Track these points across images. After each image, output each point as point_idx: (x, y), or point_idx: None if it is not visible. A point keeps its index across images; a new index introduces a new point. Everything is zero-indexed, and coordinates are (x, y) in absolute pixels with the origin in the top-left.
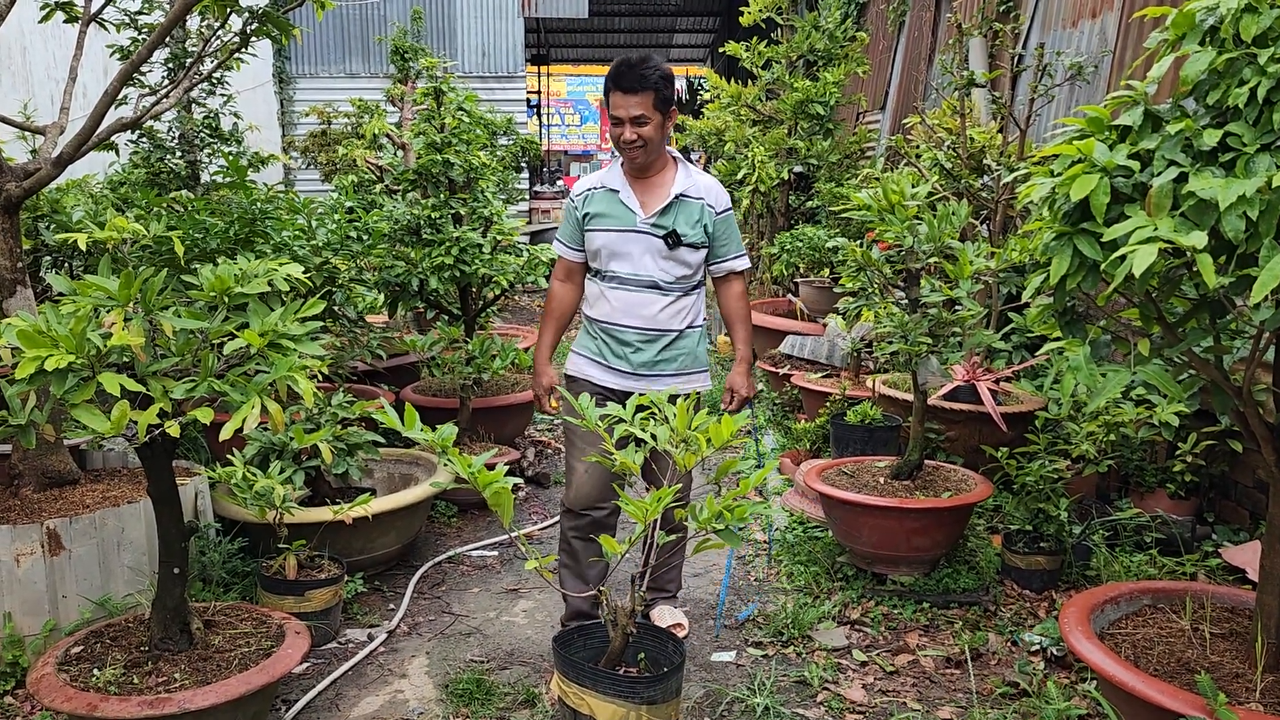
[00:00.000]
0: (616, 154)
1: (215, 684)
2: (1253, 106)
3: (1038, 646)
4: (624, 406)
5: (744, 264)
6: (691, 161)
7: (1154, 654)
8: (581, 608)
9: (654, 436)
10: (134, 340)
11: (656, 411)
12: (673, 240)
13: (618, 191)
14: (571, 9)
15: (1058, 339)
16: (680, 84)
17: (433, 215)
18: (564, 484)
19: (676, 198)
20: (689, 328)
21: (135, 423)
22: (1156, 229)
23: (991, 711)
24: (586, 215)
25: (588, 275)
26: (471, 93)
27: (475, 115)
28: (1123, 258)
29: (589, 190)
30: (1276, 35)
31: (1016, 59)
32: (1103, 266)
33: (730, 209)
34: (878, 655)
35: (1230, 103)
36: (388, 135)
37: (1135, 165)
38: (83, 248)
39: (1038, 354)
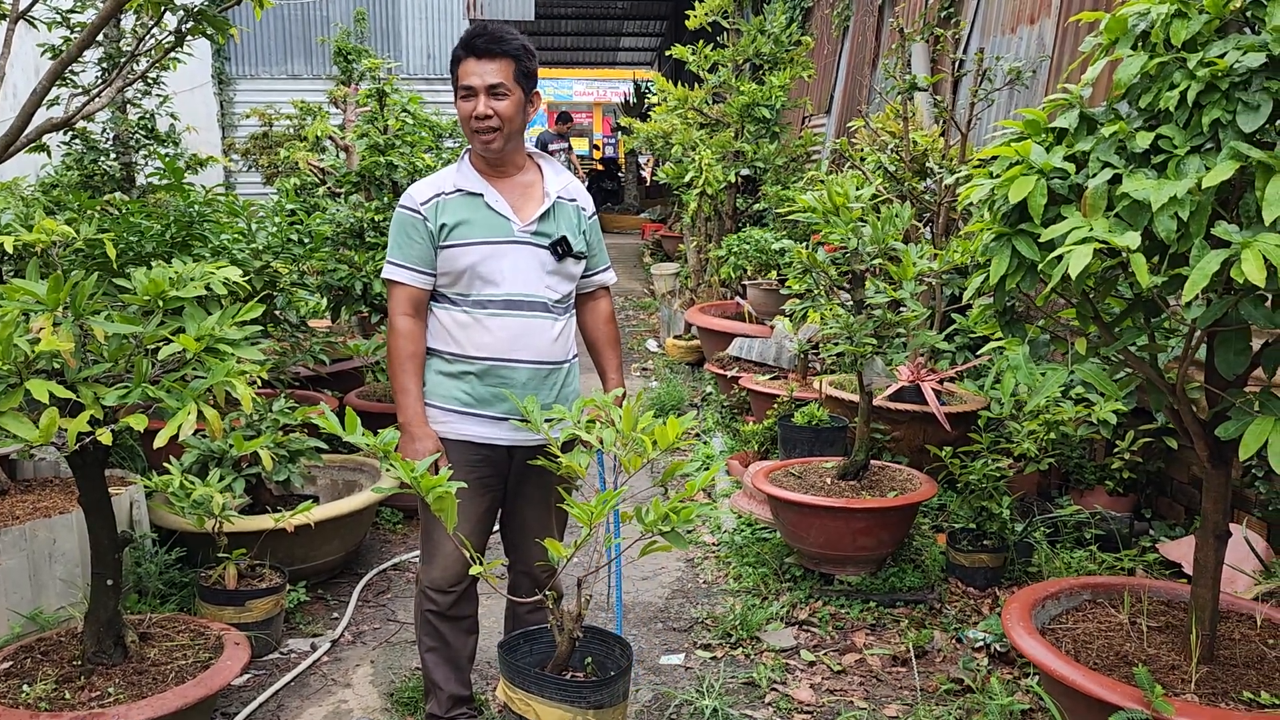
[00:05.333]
0: (469, 149)
1: (150, 698)
2: (1183, 109)
3: (982, 643)
4: (510, 461)
5: (613, 278)
6: (640, 165)
7: (1094, 648)
8: (460, 693)
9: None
10: (63, 345)
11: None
12: (562, 249)
13: (480, 195)
14: (518, 11)
15: (998, 339)
16: (628, 87)
17: (376, 218)
18: (423, 563)
19: (557, 200)
20: (574, 357)
21: (65, 430)
22: (1092, 229)
23: (937, 708)
24: (444, 227)
25: (435, 304)
26: (416, 95)
27: (420, 117)
28: (1060, 258)
29: (437, 197)
30: (1205, 40)
31: (958, 64)
32: (1040, 267)
33: (595, 212)
34: (825, 655)
35: (1162, 106)
36: (330, 137)
37: (1071, 167)
38: (10, 251)
39: (980, 354)
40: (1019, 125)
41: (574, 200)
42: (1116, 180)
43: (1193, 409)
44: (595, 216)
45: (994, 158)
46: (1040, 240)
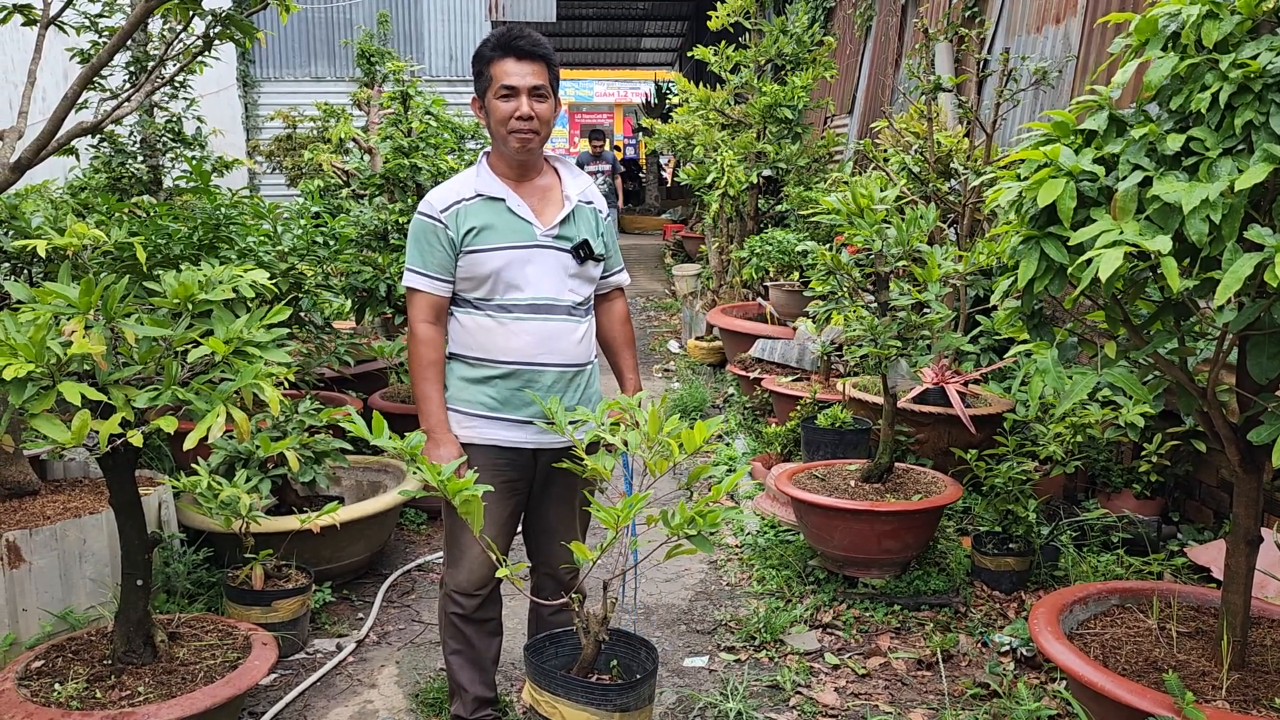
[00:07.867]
0: (486, 153)
1: (180, 697)
2: (1215, 111)
3: (1008, 647)
4: (535, 464)
5: (627, 279)
6: (661, 166)
7: (1122, 653)
8: (485, 694)
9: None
10: (94, 348)
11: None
12: (584, 253)
13: (501, 200)
14: (539, 13)
15: (1025, 342)
16: (649, 88)
17: (400, 220)
18: (447, 566)
19: (577, 204)
20: (595, 358)
21: (97, 432)
22: (1122, 233)
23: (963, 713)
24: (466, 233)
25: (457, 308)
26: (439, 97)
27: (443, 119)
28: (1089, 261)
29: (457, 203)
30: (1237, 40)
31: (982, 64)
32: (1069, 270)
33: (610, 213)
34: (850, 658)
35: (1193, 107)
36: (354, 139)
37: (1100, 170)
38: (42, 254)
39: (1006, 356)
40: (1047, 127)
41: (590, 203)
42: (1147, 183)
43: (1224, 413)
44: (610, 218)
45: (1021, 160)
46: (1069, 243)
